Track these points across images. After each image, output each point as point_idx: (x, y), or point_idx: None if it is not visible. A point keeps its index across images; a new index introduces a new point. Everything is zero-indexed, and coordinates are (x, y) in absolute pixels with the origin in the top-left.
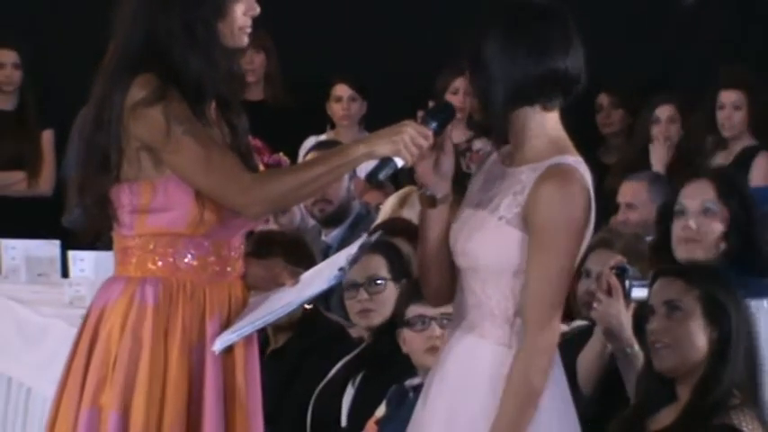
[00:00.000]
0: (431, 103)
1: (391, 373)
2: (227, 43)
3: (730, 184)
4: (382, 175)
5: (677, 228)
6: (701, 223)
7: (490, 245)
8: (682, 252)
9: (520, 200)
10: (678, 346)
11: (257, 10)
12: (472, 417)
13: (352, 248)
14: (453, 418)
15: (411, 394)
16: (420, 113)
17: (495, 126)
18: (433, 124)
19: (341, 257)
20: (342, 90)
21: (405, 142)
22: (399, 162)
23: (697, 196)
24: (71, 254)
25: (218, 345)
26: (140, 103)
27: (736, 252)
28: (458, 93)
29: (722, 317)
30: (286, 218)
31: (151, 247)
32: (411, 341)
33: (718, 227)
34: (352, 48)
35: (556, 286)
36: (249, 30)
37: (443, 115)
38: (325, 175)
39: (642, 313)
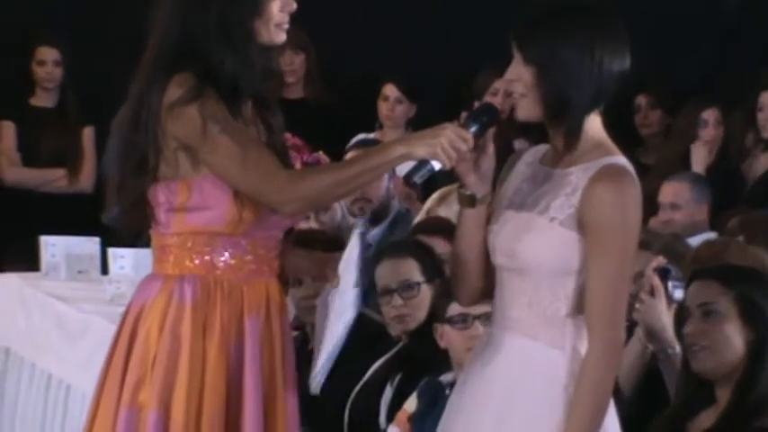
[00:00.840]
0: (476, 104)
1: (431, 373)
2: (264, 40)
3: None
4: (418, 178)
5: None
6: None
7: (543, 246)
8: None
9: (573, 201)
10: (715, 349)
11: (294, 6)
12: (525, 419)
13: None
14: (505, 420)
15: (447, 391)
16: (463, 114)
17: (575, 129)
18: (474, 127)
19: (351, 265)
20: (390, 90)
21: (442, 145)
22: (437, 165)
23: None
24: (111, 251)
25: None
26: (177, 102)
27: None
28: (497, 94)
29: (759, 318)
30: (327, 216)
31: (189, 245)
32: (451, 338)
33: None
34: (406, 47)
35: (619, 286)
36: (286, 26)
37: (485, 118)
38: (363, 174)
39: (682, 315)
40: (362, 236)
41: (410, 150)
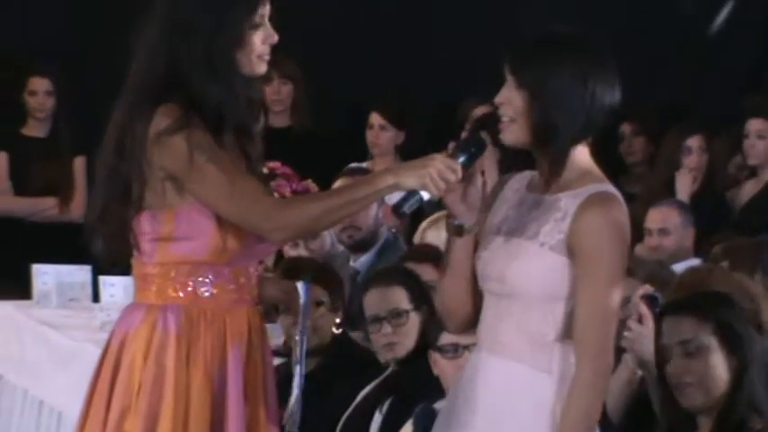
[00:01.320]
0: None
1: (419, 399)
2: (246, 71)
3: None
4: (407, 208)
5: None
6: None
7: (533, 271)
8: None
9: (563, 227)
10: (702, 384)
11: (275, 38)
12: None
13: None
14: None
15: None
16: (451, 144)
17: (561, 157)
18: (462, 158)
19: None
20: (374, 118)
21: (431, 176)
22: (425, 195)
23: None
24: (102, 279)
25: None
26: (164, 133)
27: None
28: None
29: (739, 344)
30: (316, 243)
31: (172, 274)
32: (442, 366)
33: None
34: (393, 78)
35: (609, 312)
36: (267, 57)
37: (473, 148)
38: (351, 203)
39: (661, 353)
40: (302, 340)
41: (399, 180)
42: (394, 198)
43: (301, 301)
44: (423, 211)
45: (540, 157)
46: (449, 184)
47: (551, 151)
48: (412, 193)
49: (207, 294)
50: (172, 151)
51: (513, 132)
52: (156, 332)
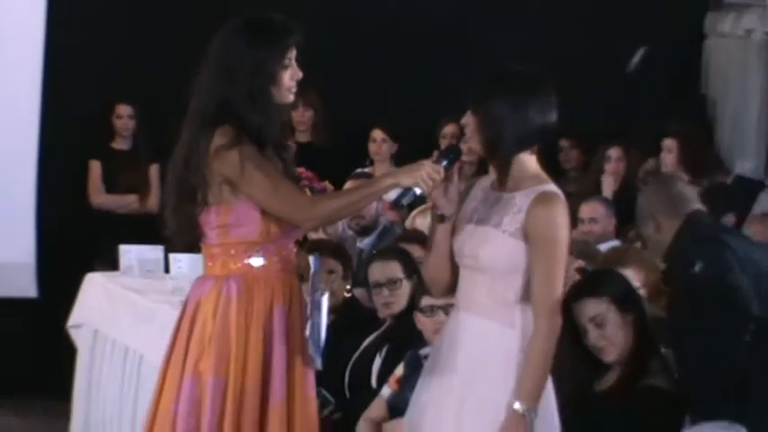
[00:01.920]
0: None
1: (409, 346)
2: (278, 101)
3: None
4: (405, 201)
5: None
6: None
7: (497, 252)
8: None
9: (519, 218)
10: (614, 343)
11: (300, 75)
12: (487, 381)
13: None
14: (471, 382)
15: (424, 361)
16: (435, 153)
17: (505, 164)
18: (444, 162)
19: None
20: (376, 134)
21: (422, 176)
22: (418, 191)
23: None
24: (171, 256)
25: (318, 364)
26: (222, 148)
27: None
28: (446, 137)
29: (629, 302)
30: (332, 229)
31: (232, 252)
32: (423, 323)
33: None
34: (391, 102)
35: (557, 282)
36: (294, 89)
37: (452, 156)
38: (362, 200)
39: (578, 333)
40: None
41: (398, 181)
42: (391, 195)
43: (312, 270)
44: (413, 206)
45: (491, 163)
46: (435, 182)
47: (497, 159)
48: (408, 190)
49: (258, 266)
50: (228, 162)
51: (473, 145)
52: (222, 296)
